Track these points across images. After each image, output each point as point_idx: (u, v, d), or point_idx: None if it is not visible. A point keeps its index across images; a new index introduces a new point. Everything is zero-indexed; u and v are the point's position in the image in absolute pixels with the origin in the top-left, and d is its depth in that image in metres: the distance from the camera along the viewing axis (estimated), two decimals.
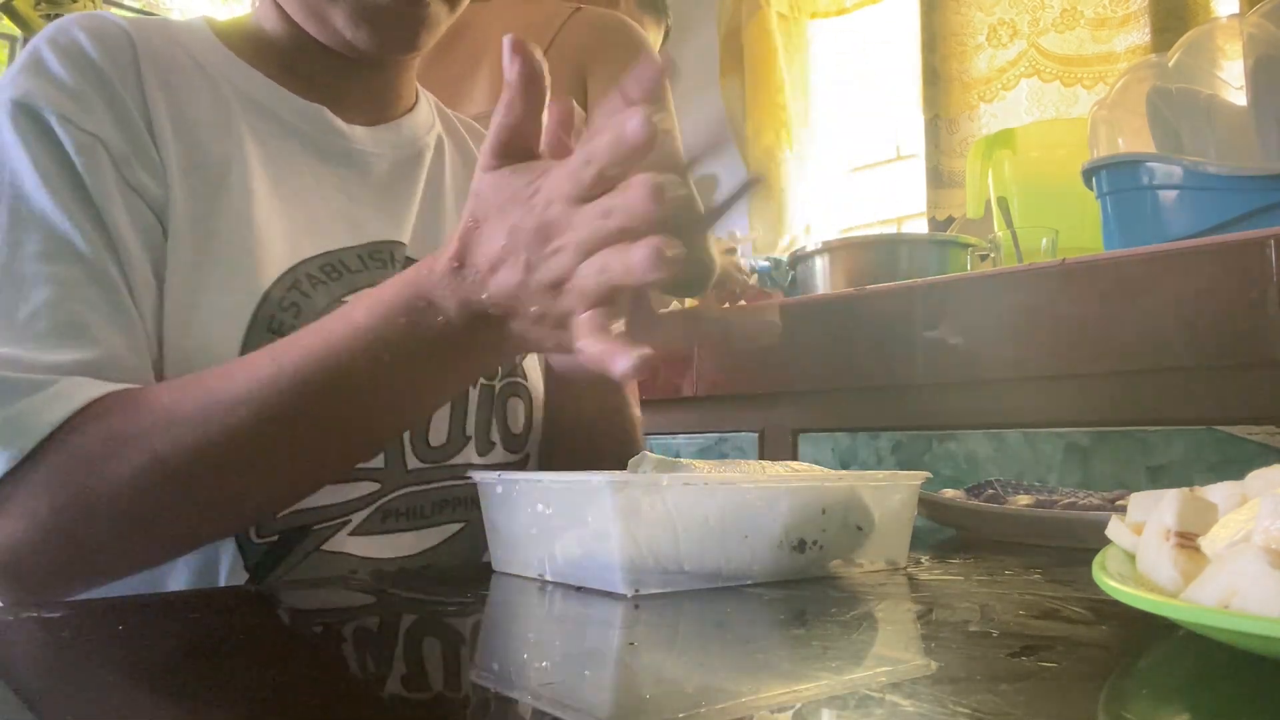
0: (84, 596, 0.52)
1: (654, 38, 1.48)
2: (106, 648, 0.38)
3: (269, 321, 0.57)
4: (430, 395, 0.54)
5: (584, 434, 0.75)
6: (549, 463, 0.76)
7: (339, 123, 0.66)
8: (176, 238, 0.57)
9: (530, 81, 0.44)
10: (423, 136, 0.72)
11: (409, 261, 0.66)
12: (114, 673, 0.34)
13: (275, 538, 0.57)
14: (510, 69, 0.43)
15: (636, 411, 0.78)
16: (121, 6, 2.15)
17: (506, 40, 0.43)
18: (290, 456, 0.51)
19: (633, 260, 0.39)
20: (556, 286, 0.42)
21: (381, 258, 0.64)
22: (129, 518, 0.49)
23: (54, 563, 0.50)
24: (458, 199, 0.73)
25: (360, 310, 0.49)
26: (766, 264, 1.62)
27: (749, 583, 0.48)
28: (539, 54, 0.44)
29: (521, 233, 0.43)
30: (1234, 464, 1.37)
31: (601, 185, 0.41)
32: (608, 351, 0.40)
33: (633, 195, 0.40)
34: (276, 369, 0.49)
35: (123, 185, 0.55)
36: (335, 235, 0.63)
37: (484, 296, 0.45)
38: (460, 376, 0.56)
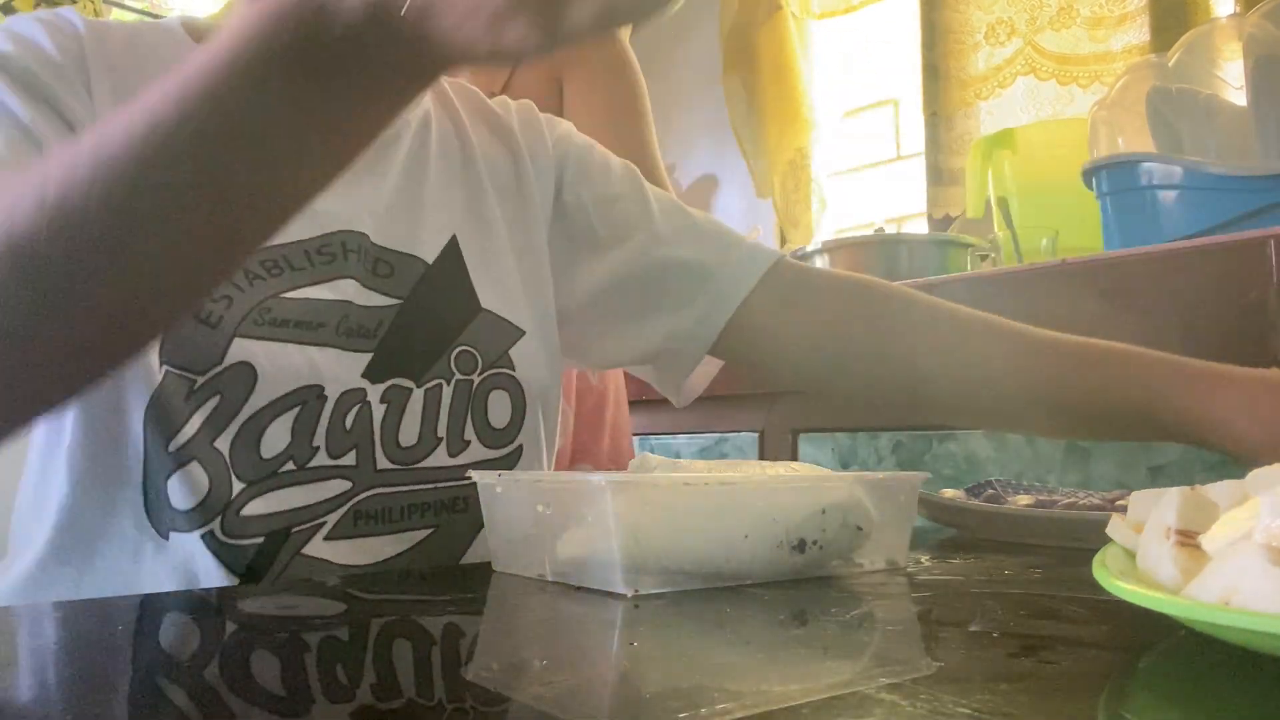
0: (82, 598, 0.52)
1: (623, 29, 1.48)
2: (105, 648, 0.38)
3: (198, 311, 0.55)
4: (326, 138, 0.39)
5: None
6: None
7: None
8: None
9: None
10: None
11: (378, 249, 0.63)
12: (113, 673, 0.34)
13: (261, 539, 0.56)
14: None
15: None
16: (123, 7, 2.15)
17: None
18: (154, 229, 0.38)
19: None
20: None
21: (331, 251, 0.61)
22: None
23: None
24: (444, 178, 0.69)
25: (230, 33, 0.35)
26: None
27: (749, 583, 0.48)
28: None
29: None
30: (1234, 464, 1.37)
31: None
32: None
33: None
34: (133, 123, 0.36)
35: (48, 110, 0.54)
36: (286, 228, 0.58)
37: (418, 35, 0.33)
38: (366, 109, 0.39)
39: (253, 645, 0.40)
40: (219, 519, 0.56)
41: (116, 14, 2.12)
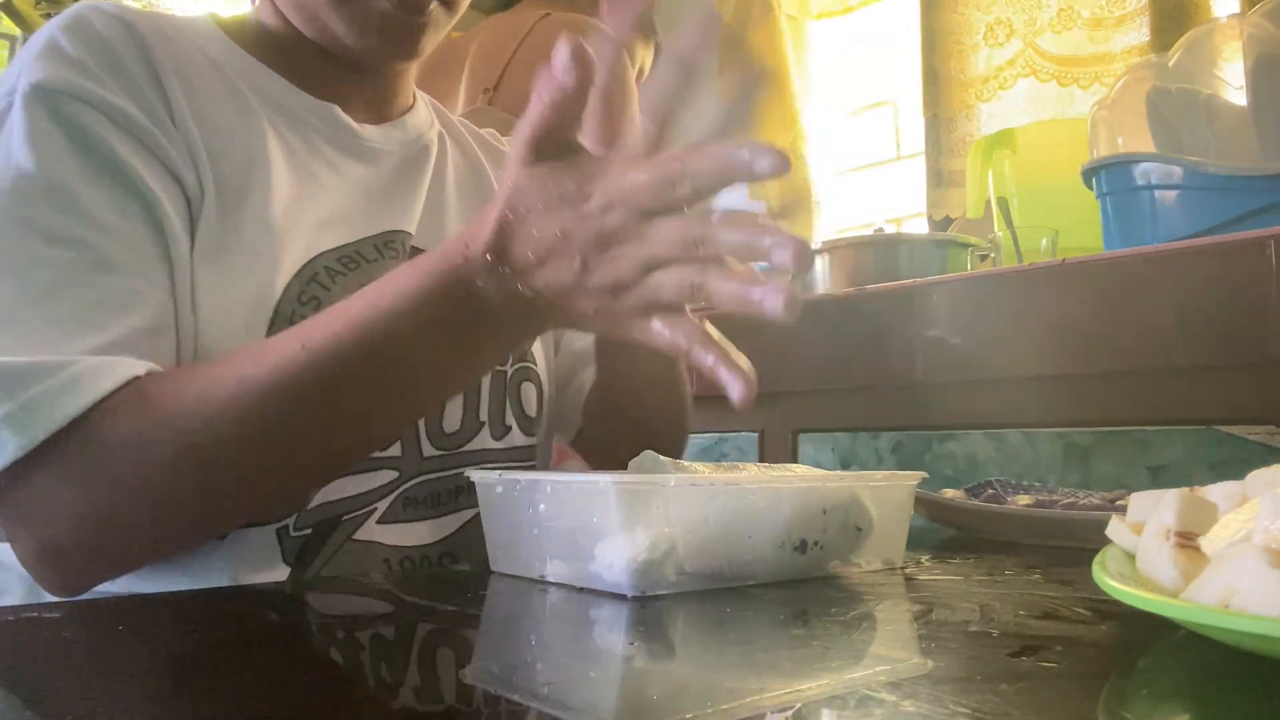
0: (84, 597, 0.52)
1: (644, 57, 1.49)
2: (106, 648, 0.38)
3: (290, 316, 0.57)
4: (461, 373, 0.55)
5: (635, 408, 0.75)
6: (605, 441, 0.78)
7: (350, 120, 0.67)
8: (207, 228, 0.56)
9: (577, 70, 0.42)
10: (426, 133, 0.73)
11: (414, 251, 0.67)
12: (114, 673, 0.34)
13: (309, 531, 0.58)
14: (555, 57, 0.42)
15: (686, 386, 0.78)
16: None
17: (560, 40, 0.42)
18: (320, 438, 0.51)
19: (726, 291, 0.41)
20: (616, 288, 0.43)
21: (395, 247, 0.65)
22: (164, 503, 0.49)
23: (93, 548, 0.50)
24: (459, 191, 0.74)
25: (388, 297, 0.48)
26: (766, 263, 1.61)
27: (750, 583, 0.48)
28: (589, 47, 0.42)
29: (577, 237, 0.43)
30: (1234, 464, 1.38)
31: (685, 203, 0.41)
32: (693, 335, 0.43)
33: (726, 233, 0.41)
34: (307, 355, 0.48)
35: (148, 156, 0.55)
36: (351, 228, 0.63)
37: (531, 289, 0.45)
38: (493, 354, 0.57)
39: (244, 645, 0.40)
40: (296, 514, 0.57)
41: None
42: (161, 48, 0.58)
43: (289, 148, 0.63)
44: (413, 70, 0.73)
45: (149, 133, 0.55)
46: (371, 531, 0.60)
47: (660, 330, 0.44)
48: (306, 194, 0.62)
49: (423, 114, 0.74)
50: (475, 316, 0.48)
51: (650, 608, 0.42)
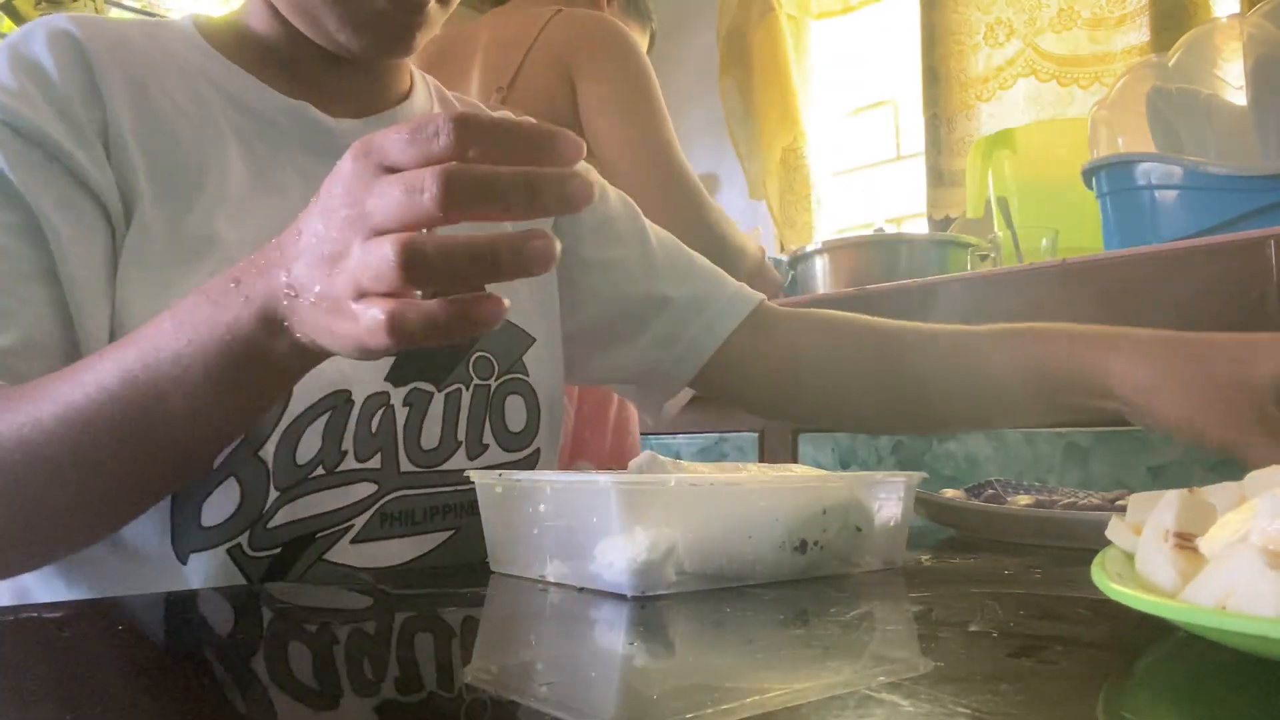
0: (84, 597, 0.52)
1: (639, 42, 1.49)
2: (106, 648, 0.38)
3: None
4: (244, 409, 0.50)
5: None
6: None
7: (325, 118, 0.64)
8: (144, 237, 0.56)
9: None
10: None
11: None
12: (114, 673, 0.34)
13: (278, 549, 0.56)
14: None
15: None
16: (122, 6, 2.14)
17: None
18: (104, 472, 0.48)
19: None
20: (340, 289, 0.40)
21: None
22: None
23: None
24: None
25: (195, 330, 0.45)
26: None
27: (750, 583, 0.48)
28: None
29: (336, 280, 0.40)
30: (1234, 464, 1.37)
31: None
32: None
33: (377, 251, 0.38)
34: (95, 386, 0.46)
35: (54, 171, 0.54)
36: None
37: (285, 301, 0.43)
38: (276, 390, 0.51)
39: (243, 645, 0.40)
40: (248, 532, 0.56)
41: (116, 14, 2.12)
42: (114, 60, 0.58)
43: (252, 154, 0.61)
44: (409, 59, 0.71)
45: (62, 149, 0.54)
46: (344, 553, 0.59)
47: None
48: (265, 203, 0.60)
49: (420, 103, 0.71)
50: (260, 364, 0.45)
51: (650, 608, 0.42)
